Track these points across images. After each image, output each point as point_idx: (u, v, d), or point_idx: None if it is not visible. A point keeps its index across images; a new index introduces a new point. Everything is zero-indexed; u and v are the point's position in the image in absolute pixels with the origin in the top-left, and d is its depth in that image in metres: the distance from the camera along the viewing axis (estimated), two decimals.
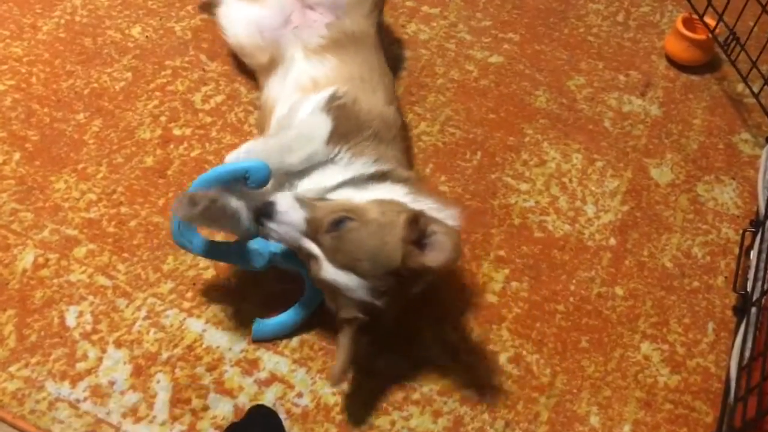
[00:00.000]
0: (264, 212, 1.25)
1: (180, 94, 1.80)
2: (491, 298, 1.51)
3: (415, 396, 1.37)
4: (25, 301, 1.43)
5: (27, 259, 1.49)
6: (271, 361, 1.39)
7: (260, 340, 1.40)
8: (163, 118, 1.76)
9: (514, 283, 1.53)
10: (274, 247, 1.36)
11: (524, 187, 1.70)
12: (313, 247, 1.23)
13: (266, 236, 1.29)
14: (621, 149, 1.79)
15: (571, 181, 1.72)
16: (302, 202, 1.25)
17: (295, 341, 1.41)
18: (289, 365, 1.38)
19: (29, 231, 1.53)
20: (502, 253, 1.58)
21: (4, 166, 1.63)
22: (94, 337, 1.39)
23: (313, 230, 1.23)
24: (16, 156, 1.65)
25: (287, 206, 1.24)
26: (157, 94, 1.80)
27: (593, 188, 1.71)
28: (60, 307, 1.42)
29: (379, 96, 1.51)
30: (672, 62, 2.00)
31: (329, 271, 1.22)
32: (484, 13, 2.09)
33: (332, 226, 1.21)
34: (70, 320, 1.41)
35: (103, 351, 1.38)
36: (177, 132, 1.73)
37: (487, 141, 1.78)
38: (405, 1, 2.10)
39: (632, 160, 1.77)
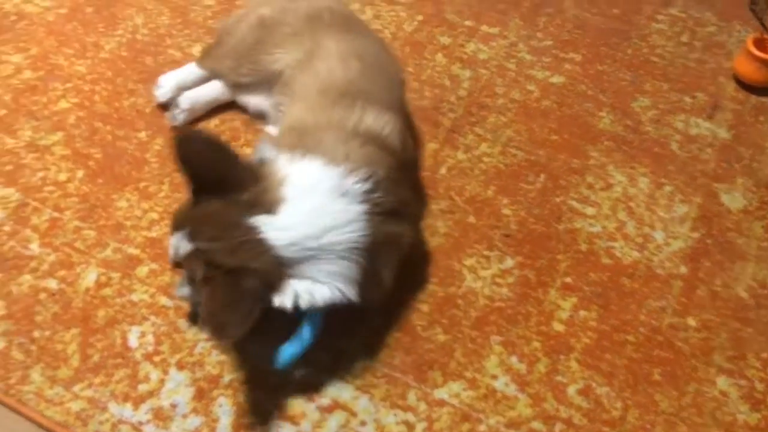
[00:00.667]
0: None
1: (240, 114, 1.80)
2: (558, 327, 1.46)
3: (482, 428, 1.33)
4: (88, 321, 1.42)
5: (90, 277, 1.49)
6: (334, 386, 1.36)
7: (287, 367, 1.35)
8: (224, 137, 1.75)
9: (582, 312, 1.49)
10: None
11: (590, 211, 1.65)
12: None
13: None
14: (689, 173, 1.74)
15: (638, 205, 1.67)
16: None
17: (357, 367, 1.38)
18: (351, 392, 1.36)
19: (92, 249, 1.53)
20: (569, 280, 1.53)
21: (68, 184, 1.64)
22: (156, 359, 1.38)
23: None
24: (80, 174, 1.66)
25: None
26: (218, 112, 1.80)
27: (662, 213, 1.66)
28: (122, 327, 1.42)
29: None
30: (741, 83, 1.94)
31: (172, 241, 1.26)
32: (545, 33, 2.05)
33: None
34: (133, 341, 1.40)
35: (165, 373, 1.36)
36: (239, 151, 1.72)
37: (550, 163, 1.74)
38: (464, 21, 2.08)
39: (701, 185, 1.72)
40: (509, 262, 1.56)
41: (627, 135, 1.81)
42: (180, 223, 1.26)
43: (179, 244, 1.24)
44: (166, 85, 1.79)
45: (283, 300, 1.22)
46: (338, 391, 1.36)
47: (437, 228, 1.59)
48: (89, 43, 1.95)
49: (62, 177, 1.65)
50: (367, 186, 1.30)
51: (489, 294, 1.50)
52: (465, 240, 1.59)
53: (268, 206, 1.23)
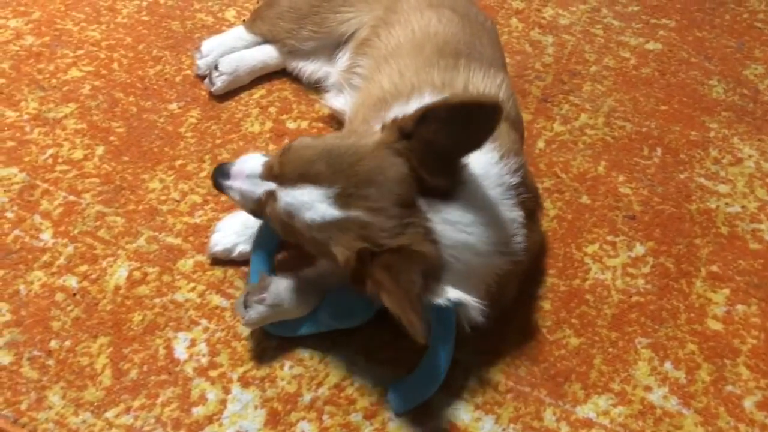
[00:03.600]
0: (219, 173, 1.02)
1: (290, 82, 1.50)
2: (715, 325, 1.17)
3: None
4: (120, 327, 1.10)
5: (120, 273, 1.17)
6: (446, 406, 1.04)
7: (403, 410, 1.04)
8: (272, 110, 1.45)
9: (739, 307, 1.19)
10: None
11: (723, 189, 1.37)
12: (268, 185, 0.97)
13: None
14: None
15: None
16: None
17: (472, 381, 1.07)
18: (471, 412, 1.04)
19: (120, 239, 1.21)
20: (715, 268, 1.24)
21: (85, 162, 1.32)
22: (213, 374, 1.06)
23: (269, 173, 0.99)
24: (100, 150, 1.34)
25: (244, 159, 1.03)
26: (264, 81, 1.50)
27: None
28: (166, 334, 1.10)
29: None
30: None
31: (284, 197, 0.95)
32: None
33: (285, 150, 0.99)
34: (180, 351, 1.08)
35: (227, 391, 1.04)
36: (291, 125, 1.43)
37: (665, 135, 1.46)
38: None
39: None
40: (639, 249, 1.26)
41: (746, 105, 1.54)
42: (319, 173, 0.93)
43: (309, 204, 0.93)
44: (209, 52, 1.49)
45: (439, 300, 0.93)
46: (454, 411, 1.04)
47: (546, 210, 1.29)
48: (103, 7, 1.64)
49: (77, 155, 1.33)
50: (516, 179, 1.02)
51: (623, 287, 1.21)
52: (581, 223, 1.30)
53: (443, 191, 0.94)
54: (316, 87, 1.47)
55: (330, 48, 1.43)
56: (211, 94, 1.46)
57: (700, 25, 1.73)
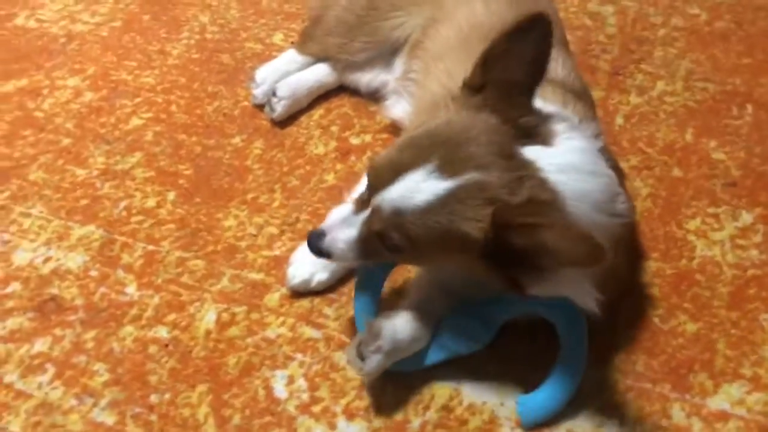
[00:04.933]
0: (314, 239, 0.96)
1: (348, 98, 1.46)
2: None
3: None
4: (217, 372, 1.08)
5: (208, 317, 1.15)
6: (565, 414, 0.98)
7: (534, 424, 0.98)
8: (334, 128, 1.42)
9: None
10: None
11: None
12: (365, 213, 0.91)
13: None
14: None
15: None
16: None
17: (587, 384, 1.00)
18: (592, 418, 0.97)
19: (204, 282, 1.20)
20: None
21: (158, 210, 1.31)
22: (316, 409, 1.02)
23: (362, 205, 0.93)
24: (171, 196, 1.34)
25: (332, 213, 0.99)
26: (321, 101, 1.47)
27: None
28: (263, 374, 1.07)
29: None
30: None
31: (386, 198, 0.87)
32: None
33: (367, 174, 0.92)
34: (279, 389, 1.05)
35: (333, 426, 1.00)
36: (355, 141, 1.39)
37: (753, 90, 1.36)
38: None
39: None
40: (747, 217, 1.17)
41: None
42: (410, 159, 0.86)
43: (414, 188, 0.85)
44: (264, 80, 1.47)
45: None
46: (574, 419, 0.97)
47: (637, 189, 1.22)
48: (153, 52, 1.64)
49: (150, 203, 1.33)
50: (599, 143, 0.96)
51: (735, 261, 1.12)
52: (677, 199, 1.21)
53: (543, 137, 0.88)
54: (375, 97, 1.43)
55: (385, 56, 1.39)
56: (272, 121, 1.43)
57: None
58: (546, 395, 0.96)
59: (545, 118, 0.91)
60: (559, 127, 0.90)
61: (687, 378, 1.00)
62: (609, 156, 1.00)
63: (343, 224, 0.93)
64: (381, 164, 0.90)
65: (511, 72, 0.88)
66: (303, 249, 1.15)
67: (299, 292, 1.15)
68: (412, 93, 1.26)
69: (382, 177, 0.88)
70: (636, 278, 1.10)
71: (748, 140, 1.27)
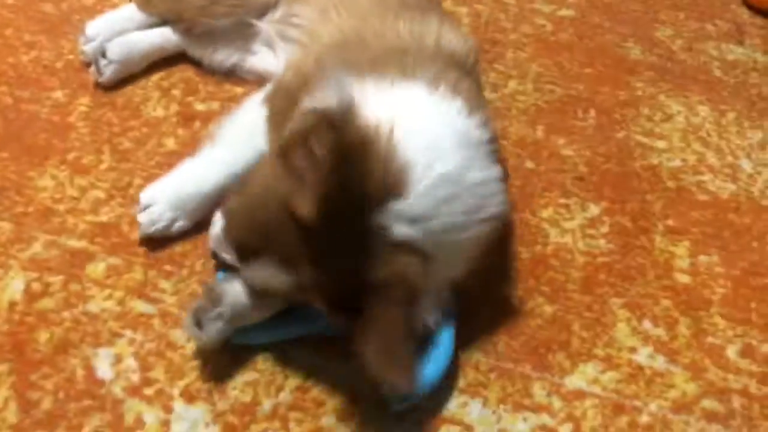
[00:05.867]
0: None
1: (192, 63, 1.33)
2: (683, 278, 1.12)
3: (644, 419, 0.94)
4: (23, 349, 0.89)
5: (14, 286, 0.95)
6: (429, 396, 0.92)
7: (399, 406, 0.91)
8: (176, 92, 1.27)
9: (702, 258, 1.15)
10: None
11: (661, 144, 1.34)
12: None
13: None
14: (746, 99, 1.48)
15: (709, 135, 1.38)
16: None
17: (452, 363, 0.95)
18: (456, 398, 0.92)
19: (10, 247, 1.00)
20: (670, 222, 1.20)
21: None
22: (149, 391, 0.88)
23: None
24: None
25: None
26: (161, 63, 1.32)
27: (738, 141, 1.38)
28: (83, 352, 0.90)
29: None
30: (753, 9, 1.73)
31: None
32: None
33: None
34: (104, 370, 0.89)
35: (168, 410, 0.86)
36: (200, 107, 1.26)
37: (595, 97, 1.42)
38: None
39: (763, 109, 1.47)
40: (594, 210, 1.20)
41: (664, 64, 1.53)
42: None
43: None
44: (96, 34, 1.28)
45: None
46: (437, 399, 0.92)
47: None
48: None
49: None
50: (487, 134, 0.91)
51: (585, 249, 1.14)
52: (531, 188, 1.22)
53: (393, 186, 0.79)
54: (229, 74, 1.31)
55: (249, 27, 1.26)
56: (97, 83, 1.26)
57: None
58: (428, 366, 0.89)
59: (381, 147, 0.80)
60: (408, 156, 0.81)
61: (546, 358, 0.98)
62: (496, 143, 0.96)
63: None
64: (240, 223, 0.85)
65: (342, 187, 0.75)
66: (158, 191, 1.01)
67: (149, 241, 1.01)
68: (295, 40, 1.15)
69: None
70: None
71: (592, 140, 1.32)
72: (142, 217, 1.00)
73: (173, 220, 1.01)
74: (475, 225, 0.86)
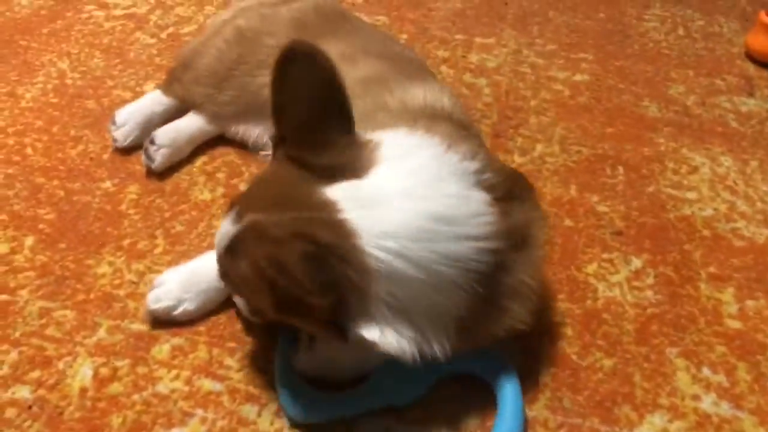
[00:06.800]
0: None
1: (233, 147, 1.38)
2: (734, 324, 1.13)
3: None
4: None
5: (83, 373, 0.97)
6: None
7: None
8: (220, 175, 1.32)
9: (749, 302, 1.17)
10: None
11: (691, 195, 1.38)
12: None
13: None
14: (765, 147, 1.53)
15: (736, 183, 1.42)
16: None
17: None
18: None
19: (76, 334, 1.02)
20: (712, 269, 1.22)
21: (12, 257, 1.12)
22: None
23: None
24: (28, 241, 1.15)
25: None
26: (204, 149, 1.37)
27: (765, 188, 1.41)
28: None
29: None
30: (758, 62, 1.81)
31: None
32: (544, 39, 1.84)
33: None
34: None
35: None
36: (244, 188, 1.30)
37: (621, 154, 1.46)
38: (454, 36, 1.82)
39: None
40: (637, 262, 1.22)
41: (682, 119, 1.59)
42: (233, 203, 0.87)
43: (227, 231, 0.84)
44: (126, 121, 1.34)
45: (371, 334, 0.80)
46: None
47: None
48: (1, 94, 1.46)
49: (2, 249, 1.13)
50: (475, 165, 0.90)
51: (634, 301, 1.15)
52: (573, 245, 1.24)
53: (356, 170, 0.83)
54: (257, 147, 1.36)
55: (255, 111, 1.31)
56: (149, 170, 1.30)
57: (616, 56, 1.80)
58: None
59: (361, 148, 0.85)
60: (382, 154, 0.85)
61: (612, 411, 0.99)
62: (495, 172, 0.92)
63: None
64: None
65: (300, 114, 0.84)
66: (172, 273, 1.05)
67: (160, 321, 1.03)
68: None
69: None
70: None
71: (625, 196, 1.36)
72: (150, 295, 1.03)
73: (179, 301, 1.02)
74: (452, 242, 0.82)
